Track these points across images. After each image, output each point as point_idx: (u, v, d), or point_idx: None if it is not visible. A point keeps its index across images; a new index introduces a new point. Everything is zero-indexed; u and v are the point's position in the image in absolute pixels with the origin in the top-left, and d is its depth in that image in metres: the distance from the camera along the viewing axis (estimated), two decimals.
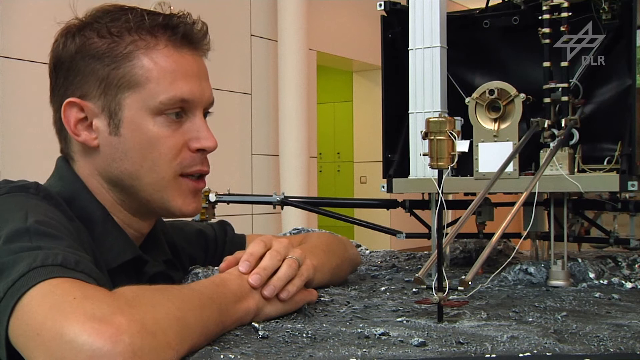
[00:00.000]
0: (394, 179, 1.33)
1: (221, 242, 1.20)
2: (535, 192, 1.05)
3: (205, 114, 0.98)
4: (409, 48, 1.32)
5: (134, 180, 0.93)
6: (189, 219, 1.79)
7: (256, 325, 0.82)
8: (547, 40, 1.24)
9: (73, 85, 0.93)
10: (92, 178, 0.95)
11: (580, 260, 1.23)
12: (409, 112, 1.32)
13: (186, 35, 0.94)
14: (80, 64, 0.92)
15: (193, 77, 0.94)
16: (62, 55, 0.94)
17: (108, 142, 0.93)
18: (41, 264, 0.69)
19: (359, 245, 1.64)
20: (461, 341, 0.74)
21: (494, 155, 1.21)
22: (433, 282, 0.85)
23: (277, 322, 0.86)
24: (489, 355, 0.70)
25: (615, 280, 1.18)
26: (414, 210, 1.52)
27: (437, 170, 0.87)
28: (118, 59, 0.91)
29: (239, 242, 1.22)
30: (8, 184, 0.86)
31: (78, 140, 0.94)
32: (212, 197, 1.95)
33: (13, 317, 0.66)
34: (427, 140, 0.87)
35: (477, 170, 1.23)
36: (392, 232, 1.62)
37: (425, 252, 1.67)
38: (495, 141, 1.22)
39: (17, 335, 0.65)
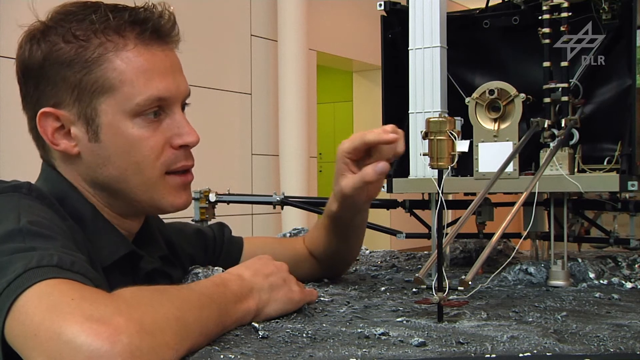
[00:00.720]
0: (394, 179, 1.33)
1: (219, 243, 1.20)
2: (535, 192, 1.05)
3: (183, 106, 0.97)
4: (409, 48, 1.32)
5: (121, 184, 0.92)
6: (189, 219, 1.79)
7: (256, 325, 0.82)
8: (547, 40, 1.23)
9: (45, 94, 0.91)
10: (77, 183, 0.94)
11: (580, 260, 1.23)
12: (409, 112, 1.32)
13: (155, 30, 0.92)
14: (50, 72, 0.90)
15: (167, 74, 0.92)
16: (29, 63, 0.92)
17: (89, 148, 0.91)
18: (37, 265, 0.69)
19: None
20: (461, 341, 0.74)
21: (494, 155, 1.21)
22: (433, 282, 0.85)
23: (277, 322, 0.86)
24: (489, 355, 0.69)
25: (615, 280, 1.18)
26: (414, 210, 1.52)
27: (437, 170, 0.87)
28: (88, 64, 0.88)
29: (237, 244, 1.22)
30: (0, 184, 0.86)
31: (57, 150, 0.92)
32: (212, 197, 1.95)
33: (9, 318, 0.66)
34: (427, 140, 0.87)
35: (477, 170, 1.23)
36: (392, 232, 1.62)
37: (425, 252, 1.67)
38: (495, 141, 1.21)
39: (15, 336, 0.65)
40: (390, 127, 1.03)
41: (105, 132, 0.90)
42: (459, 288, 0.86)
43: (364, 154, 1.07)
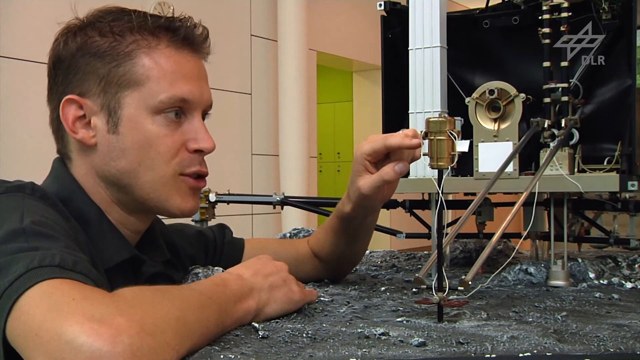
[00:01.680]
0: None
1: (220, 244, 1.20)
2: (535, 192, 1.05)
3: (204, 116, 0.99)
4: (409, 48, 1.32)
5: (131, 179, 0.93)
6: (189, 220, 1.79)
7: (256, 325, 0.82)
8: (547, 40, 1.24)
9: (72, 84, 0.93)
10: (89, 177, 0.95)
11: (580, 260, 1.23)
12: (409, 112, 1.32)
13: (187, 37, 0.95)
14: (81, 62, 0.92)
15: (193, 79, 0.95)
16: (62, 53, 0.94)
17: (106, 140, 0.93)
18: (38, 265, 0.69)
19: None
20: (461, 341, 0.74)
21: (494, 155, 1.21)
22: (433, 282, 0.85)
23: (277, 322, 0.86)
24: (489, 355, 0.69)
25: (615, 280, 1.18)
26: (414, 210, 1.52)
27: (437, 170, 0.87)
28: (119, 57, 0.91)
29: (238, 245, 1.22)
30: (4, 184, 0.86)
31: (75, 138, 0.94)
32: (212, 197, 1.95)
33: (11, 318, 0.66)
34: (427, 140, 0.87)
35: (477, 170, 1.23)
36: (392, 232, 1.62)
37: (425, 252, 1.67)
38: (495, 141, 1.21)
39: (16, 335, 0.65)
40: (411, 131, 1.02)
41: (125, 125, 0.92)
42: (459, 288, 0.86)
43: (384, 157, 1.07)
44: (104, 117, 0.92)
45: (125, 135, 0.92)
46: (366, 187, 1.06)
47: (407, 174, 1.32)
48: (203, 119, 0.98)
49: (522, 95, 1.20)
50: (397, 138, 1.02)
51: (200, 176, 0.97)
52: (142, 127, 0.92)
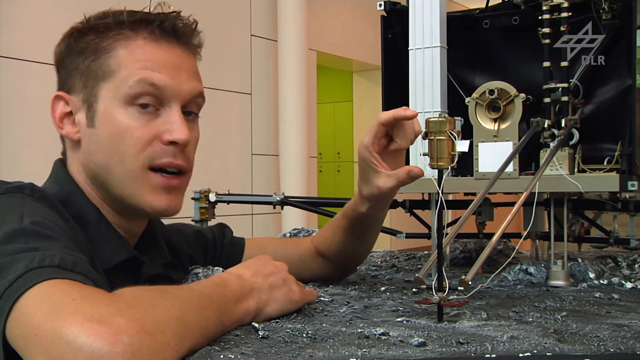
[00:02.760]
0: None
1: (220, 244, 1.19)
2: (535, 192, 1.05)
3: (190, 112, 0.96)
4: (409, 48, 1.32)
5: (106, 174, 0.92)
6: (189, 220, 1.79)
7: (256, 325, 0.82)
8: (547, 40, 1.24)
9: (62, 82, 0.96)
10: (79, 175, 0.95)
11: (580, 260, 1.23)
12: None
13: (166, 29, 0.94)
14: (67, 61, 0.95)
15: (168, 68, 0.92)
16: (57, 56, 0.97)
17: (86, 134, 0.93)
18: (38, 265, 0.69)
19: None
20: (461, 341, 0.74)
21: (494, 155, 1.21)
22: (433, 282, 0.85)
23: (277, 322, 0.86)
24: (489, 355, 0.69)
25: (615, 280, 1.18)
26: (414, 210, 1.52)
27: (437, 170, 0.87)
28: (98, 52, 0.92)
29: (238, 245, 1.22)
30: (3, 185, 0.86)
31: (61, 134, 0.95)
32: (212, 197, 1.95)
33: (11, 318, 0.66)
34: (427, 140, 0.87)
35: (477, 170, 1.23)
36: (392, 232, 1.62)
37: (425, 252, 1.67)
38: (495, 141, 1.22)
39: (16, 336, 0.65)
40: (403, 107, 1.02)
41: (100, 118, 0.92)
42: (459, 288, 0.86)
43: (386, 142, 1.05)
44: (84, 111, 0.93)
45: (100, 128, 0.92)
46: (386, 188, 1.04)
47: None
48: (189, 115, 0.96)
49: (522, 95, 1.20)
50: (389, 112, 1.02)
51: (176, 173, 0.94)
52: (115, 119, 0.91)
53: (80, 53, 0.93)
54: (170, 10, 0.96)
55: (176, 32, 0.95)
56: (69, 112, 0.94)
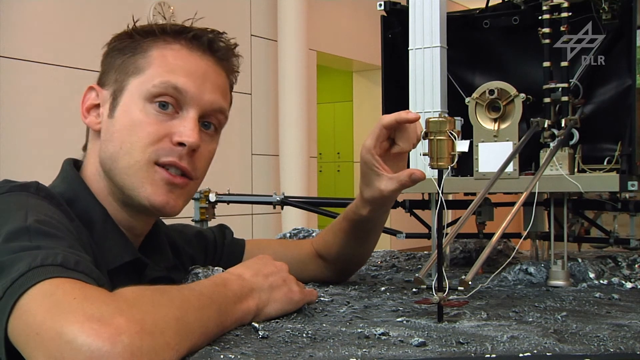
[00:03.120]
0: None
1: (220, 245, 1.20)
2: (535, 192, 1.05)
3: (209, 124, 0.98)
4: (409, 48, 1.32)
5: (113, 163, 0.94)
6: (189, 220, 1.79)
7: (256, 325, 0.82)
8: (547, 40, 1.24)
9: (100, 77, 1.00)
10: (94, 167, 0.97)
11: (580, 260, 1.23)
12: None
13: (202, 41, 0.97)
14: (108, 58, 0.99)
15: (195, 75, 0.95)
16: (102, 58, 1.00)
17: (105, 125, 0.96)
18: (41, 264, 0.69)
19: None
20: (461, 341, 0.74)
21: (494, 155, 1.21)
22: (433, 282, 0.85)
23: (277, 322, 0.86)
24: (489, 355, 0.70)
25: (615, 280, 1.19)
26: (414, 210, 1.52)
27: (437, 170, 0.87)
28: (135, 51, 0.96)
29: (239, 246, 1.22)
30: (8, 184, 0.86)
31: (85, 122, 0.98)
32: (212, 197, 1.95)
33: (12, 317, 0.66)
34: (427, 140, 0.87)
35: (477, 170, 1.23)
36: (392, 232, 1.62)
37: (425, 252, 1.68)
38: (495, 141, 1.22)
39: (17, 334, 0.66)
40: (406, 111, 1.03)
41: (120, 110, 0.95)
42: (459, 288, 0.86)
43: (388, 145, 1.05)
44: (110, 103, 0.96)
45: (117, 119, 0.94)
46: (387, 191, 1.04)
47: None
48: (209, 127, 0.97)
49: (522, 95, 1.20)
50: (391, 115, 1.02)
51: (183, 174, 0.94)
52: (132, 112, 0.93)
53: (120, 50, 0.97)
54: (211, 29, 1.00)
55: (212, 46, 0.98)
56: (97, 105, 0.97)
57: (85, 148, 1.01)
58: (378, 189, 1.04)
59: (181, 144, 0.93)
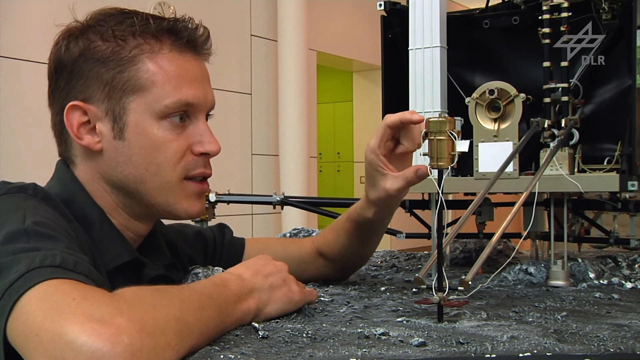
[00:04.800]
0: None
1: (220, 245, 1.20)
2: (535, 192, 1.05)
3: (207, 116, 0.99)
4: (409, 48, 1.32)
5: (139, 185, 0.93)
6: (189, 221, 1.79)
7: (256, 325, 0.82)
8: (547, 40, 1.24)
9: (75, 89, 0.93)
10: (94, 182, 0.95)
11: (580, 260, 1.23)
12: None
13: (190, 40, 0.95)
14: (84, 67, 0.92)
15: (197, 82, 0.95)
16: (64, 58, 0.93)
17: (112, 146, 0.93)
18: (39, 265, 0.69)
19: None
20: (461, 341, 0.74)
21: (494, 155, 1.21)
22: (433, 282, 0.85)
23: (277, 322, 0.86)
24: (489, 355, 0.70)
25: (615, 280, 1.19)
26: (414, 210, 1.52)
27: (437, 170, 0.87)
28: (123, 63, 0.91)
29: (239, 245, 1.22)
30: (6, 185, 0.86)
31: (81, 144, 0.93)
32: (212, 197, 1.95)
33: (11, 318, 0.66)
34: (427, 140, 0.87)
35: (477, 170, 1.23)
36: (392, 232, 1.62)
37: (425, 252, 1.68)
38: (495, 141, 1.22)
39: (16, 335, 0.65)
40: (411, 111, 1.02)
41: (131, 131, 0.92)
42: (459, 288, 0.86)
43: (393, 145, 1.05)
44: (109, 122, 0.92)
45: (131, 141, 0.92)
46: (393, 190, 1.03)
47: None
48: (206, 119, 0.98)
49: (522, 95, 1.20)
50: (396, 115, 1.02)
51: (204, 178, 0.98)
52: (148, 132, 0.92)
53: (102, 62, 0.91)
54: (181, 17, 0.97)
55: (196, 42, 0.97)
56: (86, 122, 0.93)
57: (63, 156, 0.97)
58: (384, 188, 1.04)
59: (204, 153, 0.95)
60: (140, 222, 0.98)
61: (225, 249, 1.20)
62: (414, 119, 1.00)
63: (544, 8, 1.23)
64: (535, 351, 0.70)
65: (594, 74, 1.28)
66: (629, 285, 1.16)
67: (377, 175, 1.04)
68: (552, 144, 1.20)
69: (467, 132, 1.23)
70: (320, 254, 1.22)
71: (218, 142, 0.96)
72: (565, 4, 1.21)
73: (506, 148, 1.20)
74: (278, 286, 0.89)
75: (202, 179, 0.97)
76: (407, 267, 1.45)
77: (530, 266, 1.23)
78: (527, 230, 1.24)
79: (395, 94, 1.37)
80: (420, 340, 0.74)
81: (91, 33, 0.93)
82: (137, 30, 0.92)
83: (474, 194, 1.34)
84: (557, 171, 1.18)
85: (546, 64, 1.24)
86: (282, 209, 2.02)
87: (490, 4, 1.42)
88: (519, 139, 1.18)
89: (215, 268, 1.04)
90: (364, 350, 0.71)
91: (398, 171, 1.04)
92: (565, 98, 1.22)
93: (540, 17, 1.24)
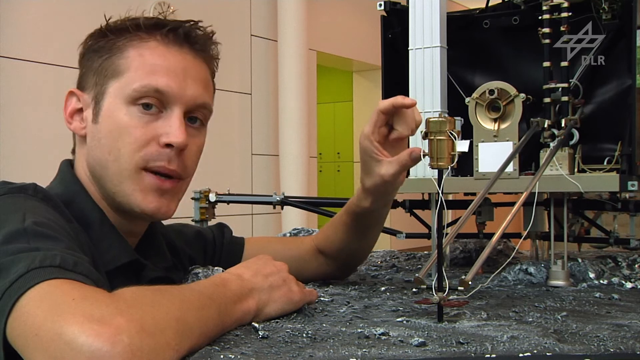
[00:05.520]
0: None
1: (219, 244, 1.20)
2: (535, 192, 1.05)
3: (195, 119, 0.96)
4: (409, 48, 1.32)
5: (102, 170, 0.93)
6: (189, 220, 1.79)
7: (256, 325, 0.82)
8: (547, 40, 1.24)
9: (79, 80, 0.98)
10: (84, 172, 0.96)
11: (580, 260, 1.23)
12: None
13: (178, 34, 0.95)
14: (84, 59, 0.97)
15: (175, 73, 0.93)
16: (79, 58, 0.99)
17: (90, 130, 0.95)
18: (39, 265, 0.69)
19: None
20: (461, 341, 0.74)
21: (494, 155, 1.21)
22: (433, 282, 0.85)
23: (277, 322, 0.86)
24: (489, 355, 0.70)
25: (615, 280, 1.19)
26: (414, 210, 1.52)
27: (437, 170, 0.87)
28: (112, 51, 0.94)
29: (238, 245, 1.22)
30: (6, 185, 0.86)
31: (69, 128, 0.97)
32: (212, 197, 1.95)
33: (11, 318, 0.66)
34: (427, 140, 0.87)
35: (477, 170, 1.23)
36: (392, 232, 1.62)
37: (425, 252, 1.68)
38: (495, 141, 1.22)
39: (16, 335, 0.65)
40: (402, 96, 1.02)
41: (103, 115, 0.93)
42: (459, 288, 0.86)
43: (387, 131, 1.04)
44: (92, 108, 0.95)
45: (102, 124, 0.93)
46: (389, 175, 1.02)
47: (407, 174, 1.33)
48: (193, 122, 0.96)
49: (522, 95, 1.20)
50: (388, 100, 1.02)
51: (169, 176, 0.93)
52: (116, 116, 0.92)
53: (96, 52, 0.95)
54: (186, 21, 0.97)
55: (189, 38, 0.96)
56: (80, 109, 0.96)
57: (73, 151, 1.00)
58: (379, 174, 1.03)
59: (169, 145, 0.92)
60: (127, 220, 0.96)
61: (225, 249, 1.20)
62: (406, 103, 1.00)
63: (544, 8, 1.23)
64: (535, 351, 0.70)
65: (594, 74, 1.28)
66: (629, 285, 1.16)
67: (371, 162, 1.04)
68: (552, 144, 1.20)
69: (467, 132, 1.23)
70: (320, 251, 1.22)
71: (184, 136, 0.92)
72: (565, 4, 1.22)
73: (506, 148, 1.20)
74: (278, 286, 0.89)
75: (168, 176, 0.93)
76: (407, 267, 1.45)
77: (530, 266, 1.23)
78: (527, 230, 1.24)
79: (395, 94, 1.37)
80: (420, 340, 0.74)
81: (98, 32, 0.97)
82: (132, 25, 0.95)
83: (474, 194, 1.34)
84: (557, 171, 1.18)
85: (546, 64, 1.24)
86: (282, 209, 2.02)
87: (490, 4, 1.42)
88: (519, 139, 1.19)
89: (215, 268, 1.04)
90: (364, 350, 0.71)
91: (392, 157, 1.03)
92: (565, 98, 1.22)
93: (540, 17, 1.24)
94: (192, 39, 0.96)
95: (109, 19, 0.97)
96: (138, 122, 0.92)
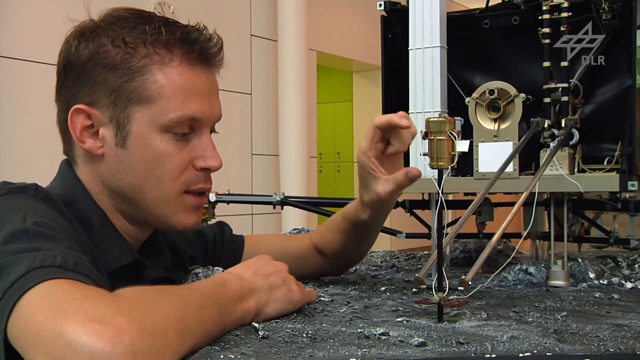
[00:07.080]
0: None
1: (220, 243, 1.20)
2: (535, 192, 1.05)
3: (213, 129, 0.98)
4: (409, 48, 1.32)
5: (136, 194, 0.93)
6: None
7: (256, 325, 0.82)
8: (547, 40, 1.24)
9: (82, 91, 0.92)
10: (93, 184, 0.95)
11: (580, 260, 1.23)
12: (409, 112, 1.32)
13: (202, 52, 0.94)
14: (92, 72, 0.91)
15: (204, 96, 0.94)
16: (74, 59, 0.93)
17: (113, 153, 0.92)
18: (40, 265, 0.69)
19: None
20: (461, 341, 0.74)
21: (494, 155, 1.21)
22: (433, 282, 0.85)
23: (277, 322, 0.86)
24: (489, 355, 0.70)
25: (615, 280, 1.19)
26: (414, 210, 1.52)
27: (437, 170, 0.87)
28: (131, 71, 0.90)
29: (238, 243, 1.22)
30: (7, 185, 0.86)
31: (83, 148, 0.93)
32: (212, 197, 1.95)
33: (12, 318, 0.66)
34: (427, 140, 0.87)
35: (477, 170, 1.23)
36: (392, 232, 1.62)
37: (425, 252, 1.68)
38: (495, 141, 1.22)
39: (17, 335, 0.65)
40: (400, 113, 1.02)
41: (133, 141, 0.91)
42: (459, 288, 0.86)
43: (383, 146, 1.05)
44: (113, 129, 0.92)
45: (133, 150, 0.92)
46: (385, 194, 1.03)
47: None
48: (212, 132, 0.98)
49: (522, 95, 1.20)
50: (384, 116, 1.02)
51: (204, 192, 0.97)
52: (151, 144, 0.91)
53: (111, 68, 0.90)
54: (195, 26, 0.95)
55: (208, 54, 0.96)
56: (90, 125, 0.93)
57: (67, 154, 0.98)
58: (375, 192, 1.04)
59: (205, 168, 0.95)
60: (138, 229, 0.98)
61: (225, 247, 1.20)
62: (401, 124, 1.00)
63: (544, 8, 1.23)
64: (535, 351, 0.70)
65: (594, 74, 1.28)
66: (629, 285, 1.16)
67: (369, 178, 1.05)
68: (552, 144, 1.20)
69: (467, 132, 1.23)
70: (318, 250, 1.22)
71: (220, 158, 0.95)
72: (565, 4, 1.22)
73: (506, 148, 1.20)
74: (278, 286, 0.89)
75: (201, 193, 0.97)
76: (407, 267, 1.45)
77: (530, 266, 1.23)
78: (527, 230, 1.24)
79: (395, 94, 1.38)
80: (420, 340, 0.74)
81: (103, 36, 0.92)
82: (148, 39, 0.91)
83: (474, 194, 1.34)
84: (557, 171, 1.18)
85: (546, 64, 1.24)
86: (282, 209, 2.02)
87: (490, 4, 1.42)
88: (519, 139, 1.18)
89: (215, 268, 1.04)
90: (364, 350, 0.71)
91: (390, 172, 1.04)
92: (565, 98, 1.22)
93: (540, 17, 1.24)
94: (211, 55, 0.96)
95: (104, 18, 0.93)
96: (174, 148, 0.92)
